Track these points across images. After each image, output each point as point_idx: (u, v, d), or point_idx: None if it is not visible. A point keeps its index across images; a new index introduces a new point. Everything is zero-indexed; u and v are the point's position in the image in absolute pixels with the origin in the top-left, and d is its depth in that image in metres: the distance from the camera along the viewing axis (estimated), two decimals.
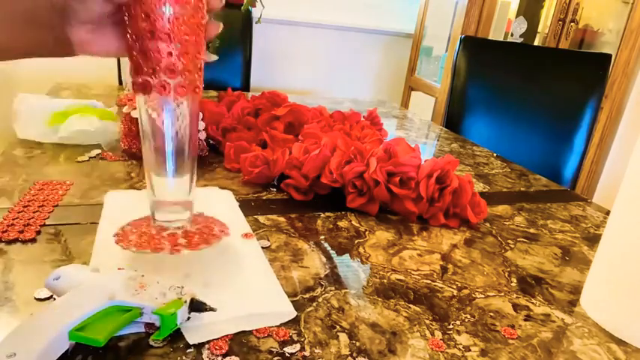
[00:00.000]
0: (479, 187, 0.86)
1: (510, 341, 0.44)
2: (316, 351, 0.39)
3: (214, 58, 0.45)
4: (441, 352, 0.41)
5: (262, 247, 0.55)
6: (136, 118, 0.73)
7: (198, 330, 0.40)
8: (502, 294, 0.52)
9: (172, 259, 0.49)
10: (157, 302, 0.37)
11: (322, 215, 0.65)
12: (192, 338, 0.39)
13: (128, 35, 0.42)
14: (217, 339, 0.39)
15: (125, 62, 0.89)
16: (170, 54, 0.41)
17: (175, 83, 0.42)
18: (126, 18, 0.41)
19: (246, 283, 0.48)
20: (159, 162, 0.46)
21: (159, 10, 0.40)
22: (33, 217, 0.54)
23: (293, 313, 0.44)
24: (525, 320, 0.48)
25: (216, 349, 0.38)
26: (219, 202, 0.64)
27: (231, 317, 0.42)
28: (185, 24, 0.41)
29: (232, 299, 0.45)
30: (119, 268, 0.46)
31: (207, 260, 0.50)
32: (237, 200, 0.66)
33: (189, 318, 0.39)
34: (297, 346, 0.40)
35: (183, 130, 0.45)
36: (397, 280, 0.52)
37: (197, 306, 0.39)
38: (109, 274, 0.40)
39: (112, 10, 0.40)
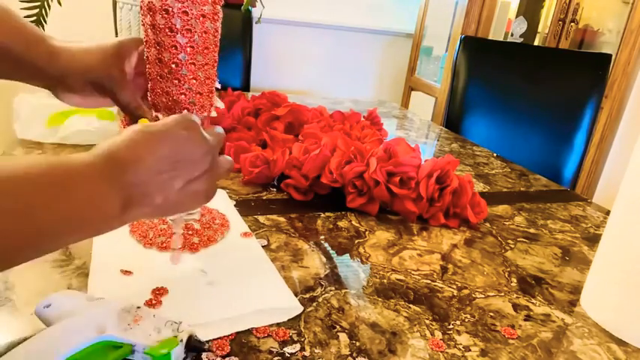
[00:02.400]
0: (479, 187, 0.86)
1: (510, 341, 0.44)
2: (316, 351, 0.39)
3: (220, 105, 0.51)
4: (441, 352, 0.41)
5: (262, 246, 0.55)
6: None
7: (207, 327, 0.40)
8: (502, 294, 0.52)
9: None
10: (150, 339, 0.34)
11: (322, 215, 0.65)
12: (201, 335, 0.39)
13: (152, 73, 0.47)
14: (217, 339, 0.39)
15: None
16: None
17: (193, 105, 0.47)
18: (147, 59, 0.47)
19: (250, 281, 0.48)
20: None
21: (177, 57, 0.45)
22: None
23: (300, 309, 0.44)
24: (525, 320, 0.48)
25: (217, 349, 0.38)
26: (215, 202, 0.64)
27: (239, 315, 0.42)
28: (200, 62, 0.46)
29: (238, 297, 0.45)
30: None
31: (210, 260, 0.50)
32: (237, 200, 0.66)
33: (185, 358, 0.36)
34: (297, 346, 0.40)
35: None
36: (397, 280, 0.52)
37: (195, 345, 0.36)
38: (103, 305, 0.37)
39: (92, 86, 0.48)
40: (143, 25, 0.44)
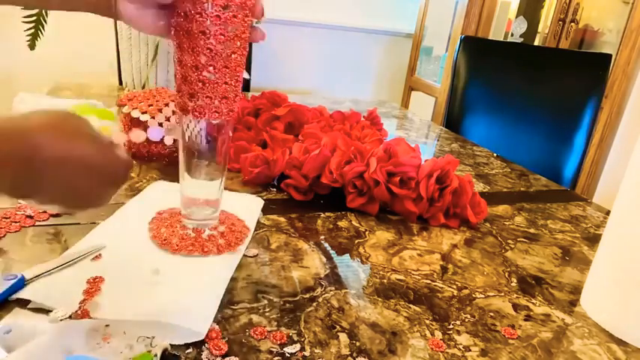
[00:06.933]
0: (479, 187, 0.86)
1: (510, 341, 0.44)
2: (316, 351, 0.39)
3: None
4: (441, 352, 0.41)
5: (250, 256, 0.52)
6: (136, 118, 0.73)
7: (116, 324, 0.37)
8: (502, 294, 0.52)
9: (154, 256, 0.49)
10: (122, 357, 0.33)
11: (322, 215, 0.65)
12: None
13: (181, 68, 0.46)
14: (217, 339, 0.39)
15: (125, 62, 0.89)
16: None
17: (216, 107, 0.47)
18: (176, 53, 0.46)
19: (186, 294, 0.44)
20: (194, 166, 0.51)
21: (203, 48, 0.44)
22: (33, 217, 0.54)
23: (201, 335, 0.39)
24: (525, 320, 0.48)
25: (215, 349, 0.38)
26: (243, 209, 0.61)
27: (143, 319, 0.39)
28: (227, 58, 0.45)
29: (159, 304, 0.42)
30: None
31: (174, 262, 0.49)
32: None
33: None
34: (297, 346, 0.40)
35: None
36: (397, 280, 0.52)
37: (170, 359, 0.35)
38: (68, 325, 0.35)
39: None
40: (173, 28, 0.44)
